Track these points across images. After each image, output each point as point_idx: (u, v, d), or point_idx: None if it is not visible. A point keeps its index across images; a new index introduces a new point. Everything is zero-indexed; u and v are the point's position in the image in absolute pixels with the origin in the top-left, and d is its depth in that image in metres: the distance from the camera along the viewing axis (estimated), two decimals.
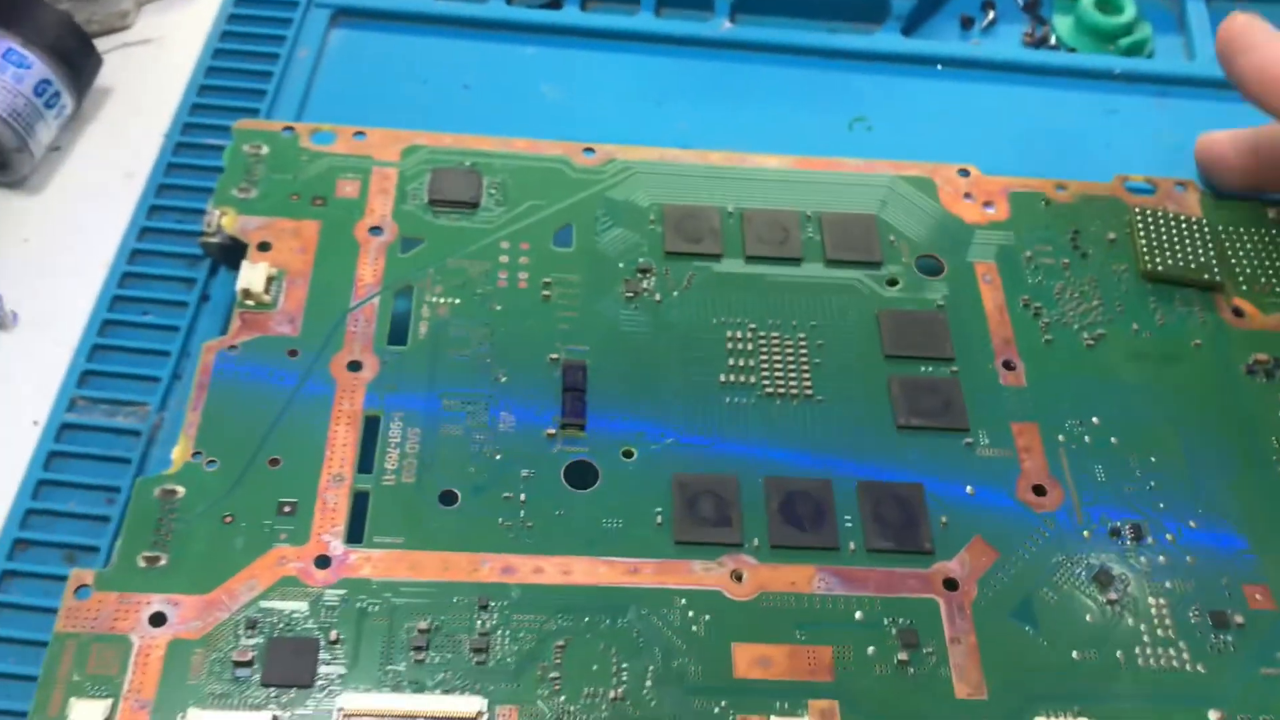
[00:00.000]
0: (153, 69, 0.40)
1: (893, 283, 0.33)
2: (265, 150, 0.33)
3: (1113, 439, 0.30)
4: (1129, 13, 0.41)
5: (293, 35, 0.39)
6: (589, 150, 0.34)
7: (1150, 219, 0.34)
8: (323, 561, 0.26)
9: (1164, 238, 0.34)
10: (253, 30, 0.39)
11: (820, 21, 0.42)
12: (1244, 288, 0.33)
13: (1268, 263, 0.34)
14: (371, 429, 0.28)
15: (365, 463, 0.28)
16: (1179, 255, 0.33)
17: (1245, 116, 0.35)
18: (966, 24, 0.42)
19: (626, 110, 0.38)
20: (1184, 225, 0.34)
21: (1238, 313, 0.33)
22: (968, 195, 0.35)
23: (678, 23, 0.41)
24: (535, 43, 0.40)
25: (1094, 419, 0.30)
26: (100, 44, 0.38)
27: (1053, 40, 0.42)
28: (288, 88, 0.38)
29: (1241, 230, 0.35)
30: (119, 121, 0.38)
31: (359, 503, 0.27)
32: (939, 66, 0.41)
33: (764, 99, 0.39)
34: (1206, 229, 0.34)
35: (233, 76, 0.38)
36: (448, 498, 0.27)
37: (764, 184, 0.34)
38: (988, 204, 0.35)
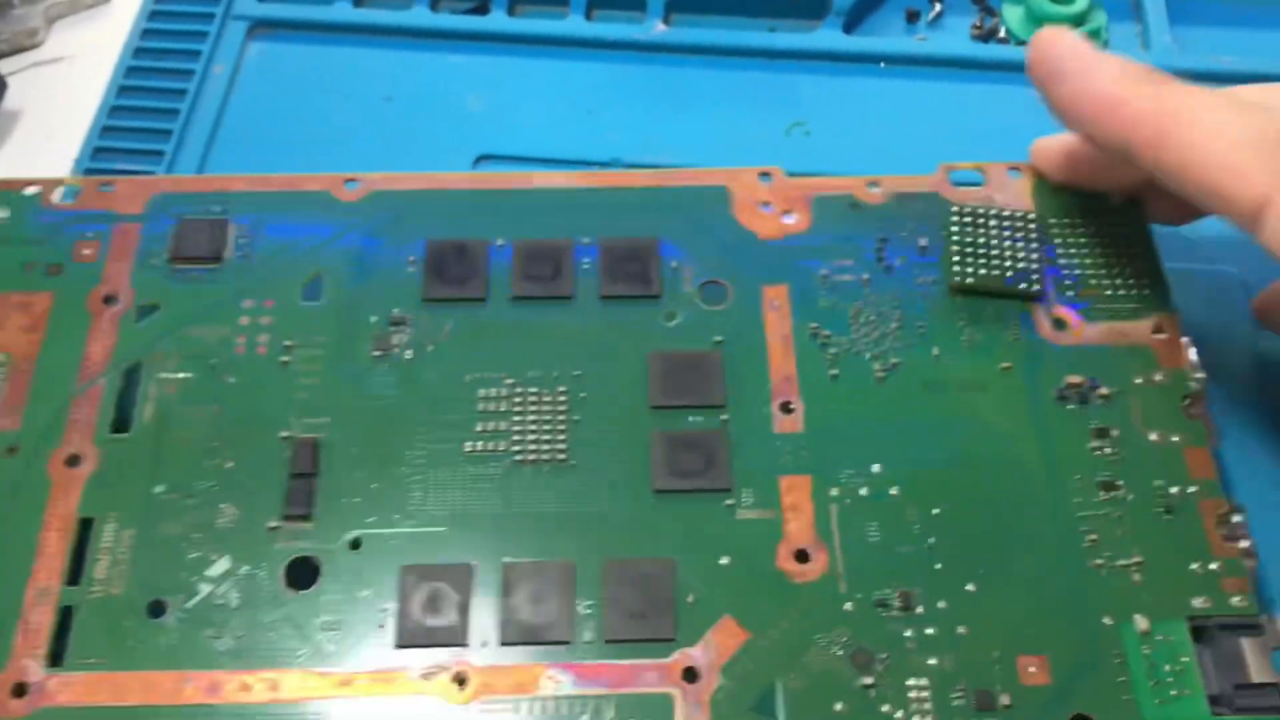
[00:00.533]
0: (63, 89, 0.39)
1: (670, 317, 0.30)
2: (5, 214, 0.31)
3: (893, 489, 0.27)
4: (1081, 1, 0.38)
5: (208, 50, 0.38)
6: (352, 181, 0.32)
7: (969, 219, 0.31)
8: (19, 690, 0.25)
9: (981, 240, 0.30)
10: (167, 46, 0.38)
11: (760, 19, 0.40)
12: (1069, 293, 0.30)
13: (1102, 260, 0.30)
14: (86, 533, 0.27)
15: (75, 573, 0.26)
16: (997, 261, 0.30)
17: None
18: (912, 18, 0.40)
19: (555, 120, 0.37)
20: (1007, 223, 0.31)
21: (1058, 324, 0.30)
22: (765, 204, 0.32)
23: (609, 26, 0.39)
24: (461, 50, 0.39)
25: (875, 466, 0.28)
26: (8, 64, 0.37)
27: (1002, 32, 0.39)
28: (202, 106, 0.37)
29: (1078, 222, 0.31)
30: (29, 146, 0.37)
31: (64, 620, 0.26)
32: (882, 65, 0.38)
33: (699, 104, 0.37)
34: (1033, 225, 0.31)
35: (146, 96, 0.37)
36: (157, 609, 0.26)
37: (543, 208, 0.32)
38: (787, 213, 0.31)
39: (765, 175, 0.32)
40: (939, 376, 0.29)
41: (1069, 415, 0.28)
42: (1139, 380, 0.29)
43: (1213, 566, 0.26)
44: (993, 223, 0.31)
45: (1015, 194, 0.32)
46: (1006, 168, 0.32)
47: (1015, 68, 0.37)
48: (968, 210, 0.31)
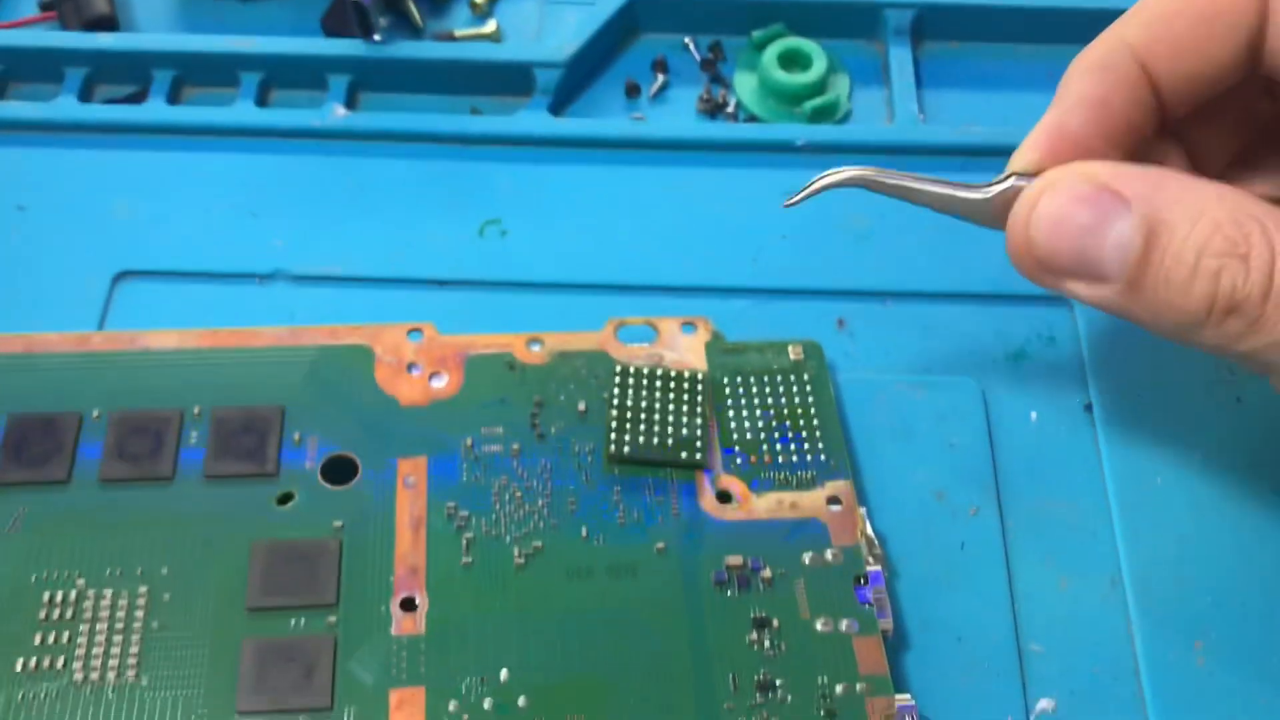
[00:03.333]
0: None
1: (285, 499, 0.26)
2: None
3: (521, 699, 0.24)
4: (817, 68, 0.34)
5: None
6: None
7: (633, 381, 0.28)
8: None
9: (644, 405, 0.28)
10: None
11: (460, 97, 0.35)
12: (738, 461, 0.27)
13: (776, 424, 0.28)
14: None
15: None
16: (659, 427, 0.27)
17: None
18: (632, 91, 0.35)
19: (212, 225, 0.32)
20: (674, 384, 0.28)
21: (723, 497, 0.27)
22: (413, 365, 0.28)
23: (282, 113, 0.34)
24: (113, 146, 0.33)
25: (503, 672, 0.24)
26: None
27: (731, 105, 0.35)
28: None
29: (752, 383, 0.28)
30: None
31: None
32: (592, 149, 0.34)
33: (382, 202, 0.33)
34: (701, 387, 0.28)
35: None
36: None
37: (155, 372, 0.28)
38: (436, 375, 0.28)
39: (415, 333, 0.29)
40: (586, 562, 0.26)
41: (727, 604, 0.25)
42: (808, 559, 0.26)
43: None
44: (658, 384, 0.28)
45: (687, 351, 0.29)
46: (680, 323, 0.29)
47: (744, 147, 0.33)
48: (632, 371, 0.28)
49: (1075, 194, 0.23)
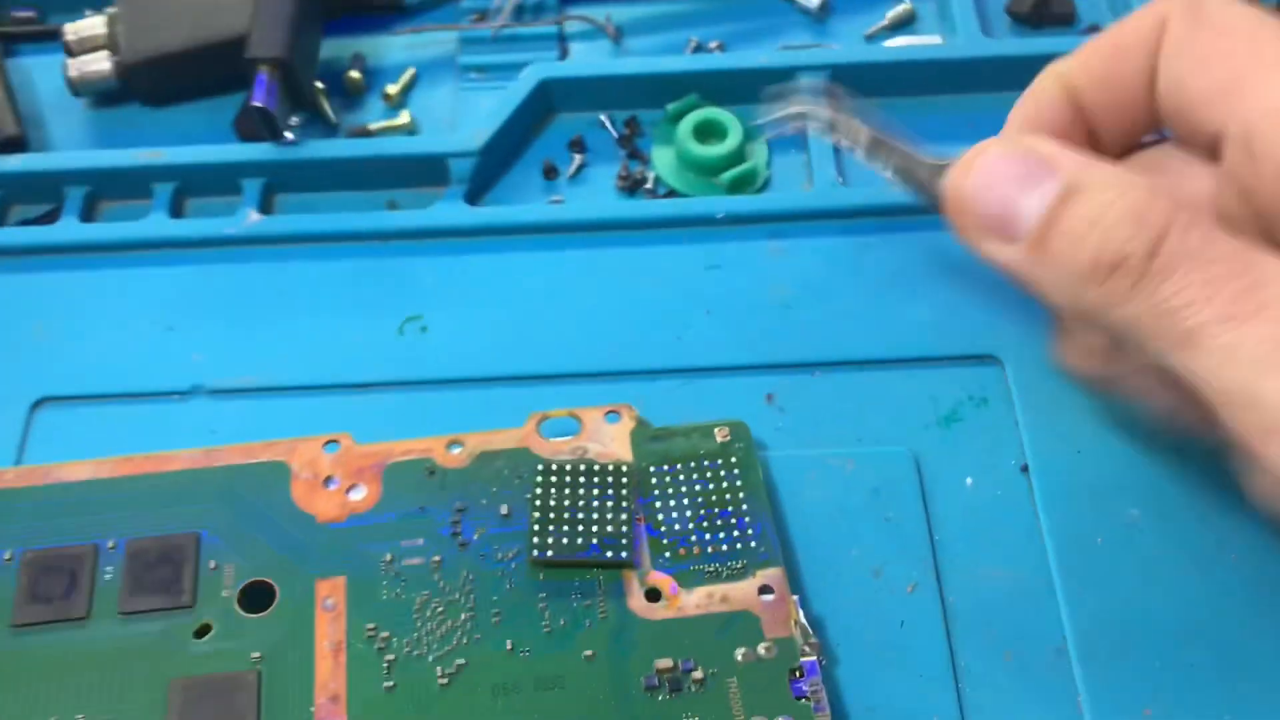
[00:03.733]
0: None
1: (203, 632, 0.26)
2: None
3: None
4: (733, 138, 0.34)
5: None
6: None
7: (555, 478, 0.27)
8: None
9: (568, 503, 0.27)
10: None
11: (377, 192, 0.34)
12: (666, 556, 0.27)
13: (704, 512, 0.27)
14: None
15: None
16: (583, 526, 0.27)
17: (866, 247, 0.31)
18: (550, 173, 0.35)
19: (129, 343, 0.31)
20: (597, 479, 0.27)
21: (652, 595, 0.26)
22: (330, 480, 0.28)
23: (195, 223, 0.33)
24: (27, 269, 0.33)
25: None
26: None
27: (650, 181, 0.34)
28: None
29: (679, 470, 0.28)
30: None
31: None
32: (510, 236, 0.33)
33: (300, 305, 0.32)
34: (626, 479, 0.27)
35: None
36: None
37: (65, 507, 0.27)
38: (354, 487, 0.28)
39: (332, 444, 0.28)
40: (512, 676, 0.25)
41: (659, 709, 0.24)
42: (740, 655, 0.25)
43: None
44: (581, 480, 0.27)
45: (612, 441, 0.28)
46: (603, 412, 0.29)
47: (665, 224, 0.33)
48: (554, 468, 0.27)
49: (1013, 153, 0.24)
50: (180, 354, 0.31)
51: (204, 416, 0.30)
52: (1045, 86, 0.26)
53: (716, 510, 0.27)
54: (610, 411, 0.29)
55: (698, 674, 0.25)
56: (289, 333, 0.31)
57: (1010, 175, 0.23)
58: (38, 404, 0.30)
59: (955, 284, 0.31)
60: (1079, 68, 0.26)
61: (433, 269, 0.33)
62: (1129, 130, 0.27)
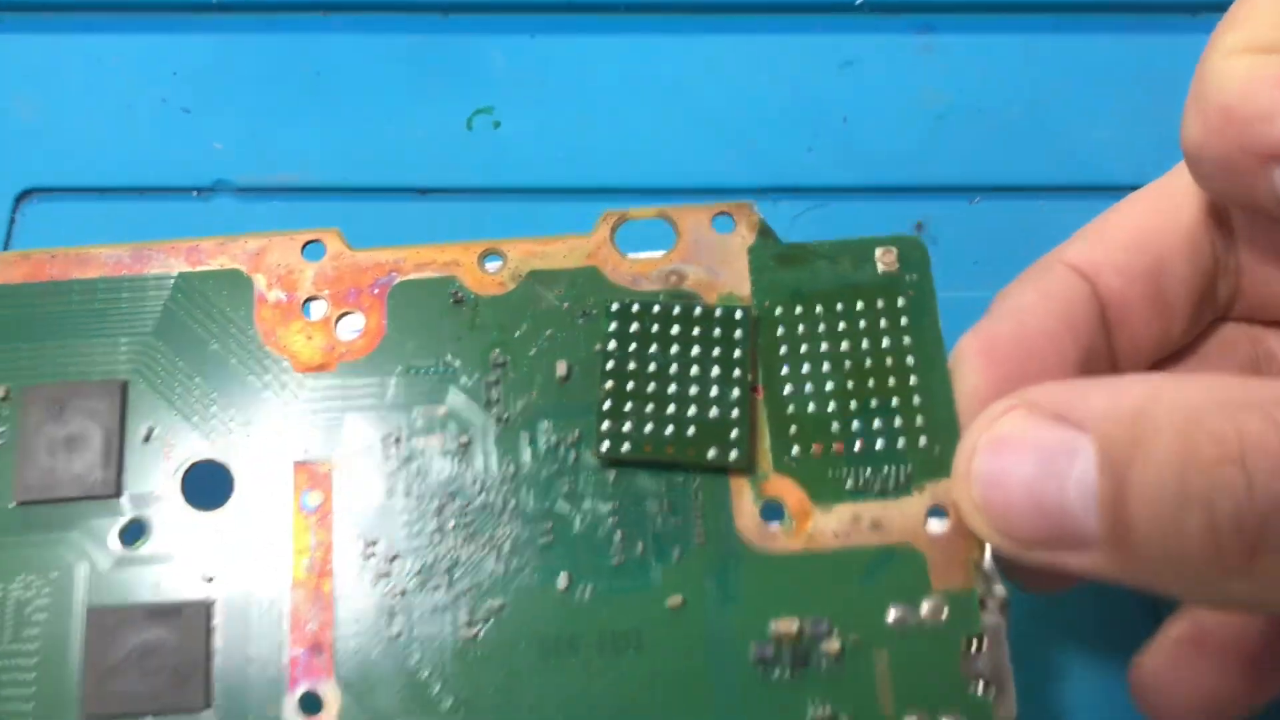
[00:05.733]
0: None
1: (132, 535, 0.18)
2: None
3: None
4: None
5: None
6: None
7: (637, 324, 0.18)
8: None
9: (655, 365, 0.18)
10: None
11: None
12: (794, 451, 0.18)
13: (851, 381, 0.19)
14: None
15: None
16: (678, 406, 0.18)
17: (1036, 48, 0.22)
18: None
19: (137, 127, 0.25)
20: (701, 325, 0.19)
21: (771, 512, 0.18)
22: (311, 302, 0.19)
23: None
24: (7, 29, 0.26)
25: None
26: None
27: None
28: None
29: (818, 310, 0.19)
30: None
31: None
32: (596, 15, 0.25)
33: (345, 90, 0.25)
34: (740, 326, 0.18)
35: None
36: None
37: None
38: (346, 316, 0.19)
39: (314, 245, 0.19)
40: (568, 628, 0.17)
41: (773, 694, 0.17)
42: (895, 615, 0.17)
43: None
44: (674, 327, 0.19)
45: (720, 262, 0.19)
46: (710, 214, 0.19)
47: (790, 8, 0.24)
48: (635, 308, 0.19)
49: (1012, 437, 0.16)
50: (199, 142, 0.25)
51: (228, 218, 0.23)
52: (1066, 285, 0.19)
53: (872, 381, 0.19)
54: (720, 213, 0.19)
55: (833, 643, 0.17)
56: (330, 122, 0.24)
57: (1022, 472, 0.15)
58: (23, 196, 0.24)
59: (1144, 97, 0.24)
60: (1106, 263, 0.19)
61: (510, 52, 0.25)
62: (1161, 335, 0.19)
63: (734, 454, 0.18)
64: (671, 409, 0.18)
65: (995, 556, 0.17)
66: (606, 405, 0.18)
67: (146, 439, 0.18)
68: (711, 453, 0.18)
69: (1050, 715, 0.19)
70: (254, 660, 0.17)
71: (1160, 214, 0.19)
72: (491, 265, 0.19)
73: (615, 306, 0.18)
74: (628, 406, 0.18)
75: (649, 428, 0.18)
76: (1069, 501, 0.15)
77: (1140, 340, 0.19)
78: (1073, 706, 0.19)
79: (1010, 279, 0.20)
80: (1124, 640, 0.19)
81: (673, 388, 0.18)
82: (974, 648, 0.17)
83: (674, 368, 0.18)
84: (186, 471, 0.18)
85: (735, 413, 0.18)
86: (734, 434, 0.18)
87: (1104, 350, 0.19)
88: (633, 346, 0.18)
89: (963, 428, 0.18)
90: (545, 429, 0.18)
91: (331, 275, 0.19)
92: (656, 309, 0.18)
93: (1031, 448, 0.15)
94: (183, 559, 0.18)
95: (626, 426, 0.18)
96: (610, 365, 0.18)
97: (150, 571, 0.18)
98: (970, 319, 0.19)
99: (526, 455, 0.18)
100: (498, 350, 0.19)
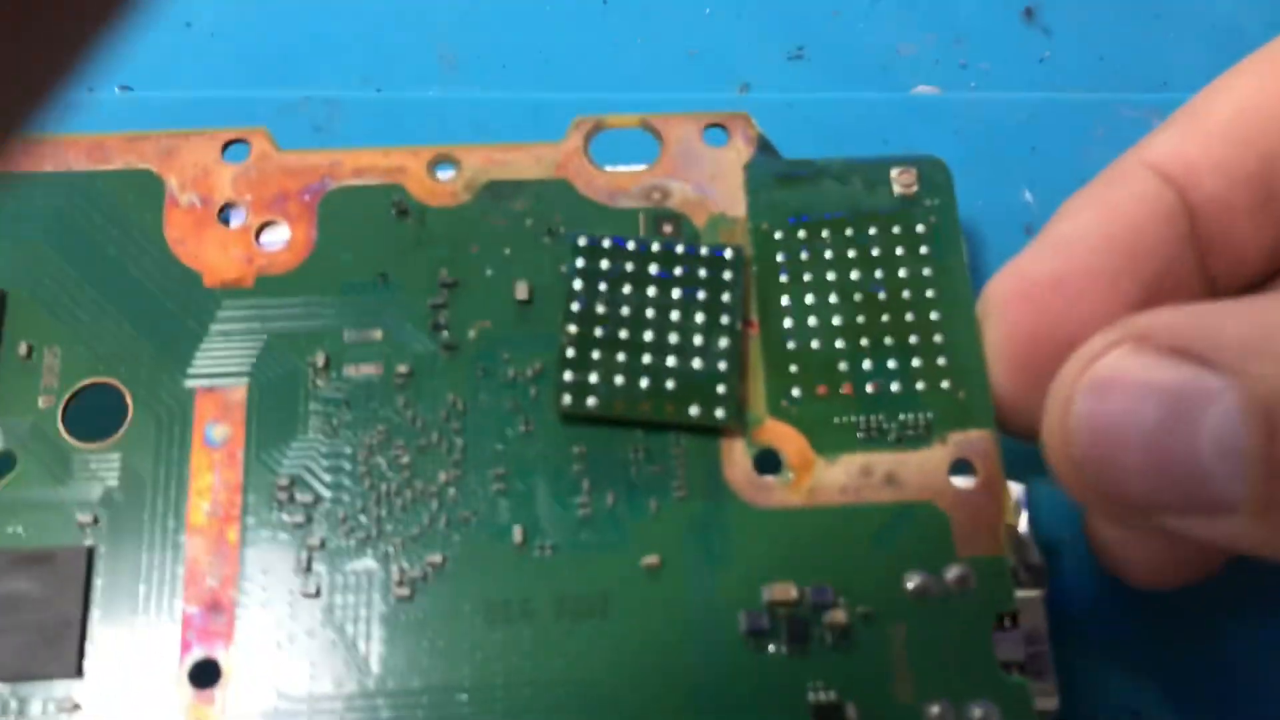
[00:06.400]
0: None
1: (3, 467, 0.15)
2: None
3: None
4: None
5: None
6: None
7: (608, 254, 0.16)
8: None
9: (630, 302, 0.16)
10: None
11: None
12: (795, 394, 0.15)
13: (861, 319, 0.16)
14: None
15: None
16: (656, 355, 0.15)
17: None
18: None
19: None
20: (684, 266, 0.16)
21: (766, 462, 0.15)
22: (229, 209, 0.16)
23: None
24: None
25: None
26: None
27: None
28: None
29: (824, 237, 0.16)
30: None
31: None
32: None
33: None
34: (731, 259, 0.16)
35: None
36: None
37: None
38: (270, 226, 0.16)
39: (238, 145, 0.17)
40: (521, 589, 0.14)
41: (767, 670, 0.14)
42: (914, 584, 0.15)
43: None
44: (654, 256, 0.16)
45: (711, 180, 0.17)
46: (700, 124, 0.17)
47: None
48: (602, 240, 0.16)
49: (1123, 379, 0.13)
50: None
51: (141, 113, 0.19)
52: (1139, 203, 0.15)
53: (887, 316, 0.16)
54: (712, 124, 0.17)
55: (838, 614, 0.14)
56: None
57: (1145, 421, 0.12)
58: None
59: None
60: (1204, 160, 0.15)
61: None
62: (1273, 251, 0.15)
63: (720, 411, 0.15)
64: (647, 359, 0.15)
65: (1088, 543, 0.15)
66: (570, 353, 0.15)
67: (27, 357, 0.15)
68: (694, 410, 0.15)
69: (1104, 707, 0.16)
70: (139, 620, 0.14)
71: (1273, 92, 0.15)
72: (444, 174, 0.16)
73: (582, 241, 0.16)
74: (595, 355, 0.15)
75: (619, 379, 0.15)
76: (1203, 457, 0.12)
77: (1246, 258, 0.15)
78: (1128, 697, 0.16)
79: (1144, 81, 0.17)
80: (1194, 612, 0.16)
81: (649, 335, 0.15)
82: (1006, 622, 0.14)
83: (651, 312, 0.15)
84: (70, 397, 0.15)
85: (723, 365, 0.15)
86: (720, 389, 0.15)
87: (1188, 276, 0.15)
88: (602, 286, 0.16)
89: (991, 384, 0.15)
90: (501, 360, 0.16)
91: (255, 179, 0.16)
92: (631, 245, 0.16)
93: (1150, 391, 0.12)
94: (59, 499, 0.15)
95: (593, 378, 0.15)
96: (576, 307, 0.15)
97: (18, 512, 0.15)
98: (1091, 128, 0.16)
99: (478, 389, 0.15)
100: (446, 269, 0.16)
